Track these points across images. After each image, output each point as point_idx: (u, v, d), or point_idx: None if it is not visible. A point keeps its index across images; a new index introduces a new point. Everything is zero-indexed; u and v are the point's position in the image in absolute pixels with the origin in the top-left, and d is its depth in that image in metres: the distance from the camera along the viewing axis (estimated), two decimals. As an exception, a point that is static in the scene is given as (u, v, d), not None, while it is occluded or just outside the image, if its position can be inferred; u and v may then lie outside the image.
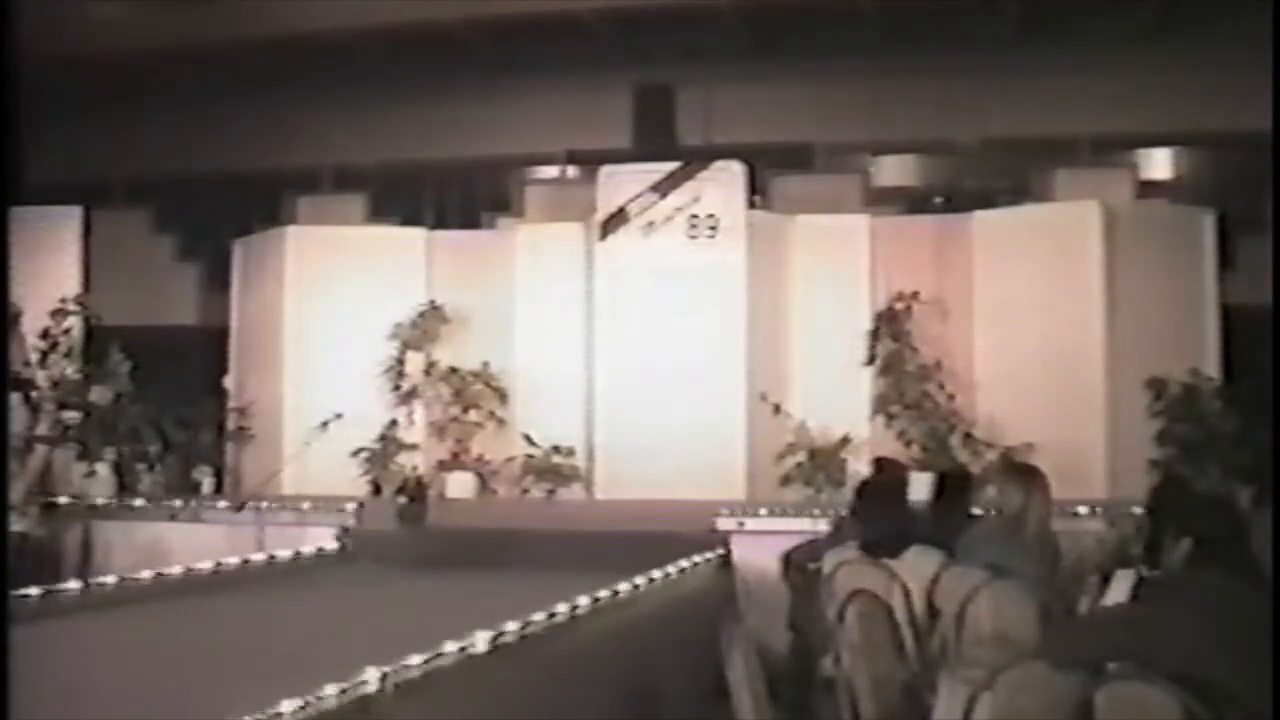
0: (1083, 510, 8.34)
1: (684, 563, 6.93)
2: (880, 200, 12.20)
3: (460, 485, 11.25)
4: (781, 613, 6.21)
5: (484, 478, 11.36)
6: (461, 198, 14.12)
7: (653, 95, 12.69)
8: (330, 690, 3.43)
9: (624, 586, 5.93)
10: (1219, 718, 2.50)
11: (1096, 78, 12.01)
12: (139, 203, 13.97)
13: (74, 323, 11.71)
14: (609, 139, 12.80)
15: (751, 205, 11.47)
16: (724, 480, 10.47)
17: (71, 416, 10.63)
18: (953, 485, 5.82)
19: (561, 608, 5.11)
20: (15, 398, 9.68)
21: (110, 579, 6.88)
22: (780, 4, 12.26)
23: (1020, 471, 5.45)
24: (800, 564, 6.33)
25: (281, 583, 7.55)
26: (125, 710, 3.85)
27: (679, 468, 10.44)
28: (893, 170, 13.73)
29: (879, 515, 5.17)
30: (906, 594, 4.73)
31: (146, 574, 6.86)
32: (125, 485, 11.03)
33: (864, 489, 5.58)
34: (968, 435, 10.56)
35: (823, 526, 7.61)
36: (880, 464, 6.27)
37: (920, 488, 5.82)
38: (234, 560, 7.56)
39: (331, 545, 8.64)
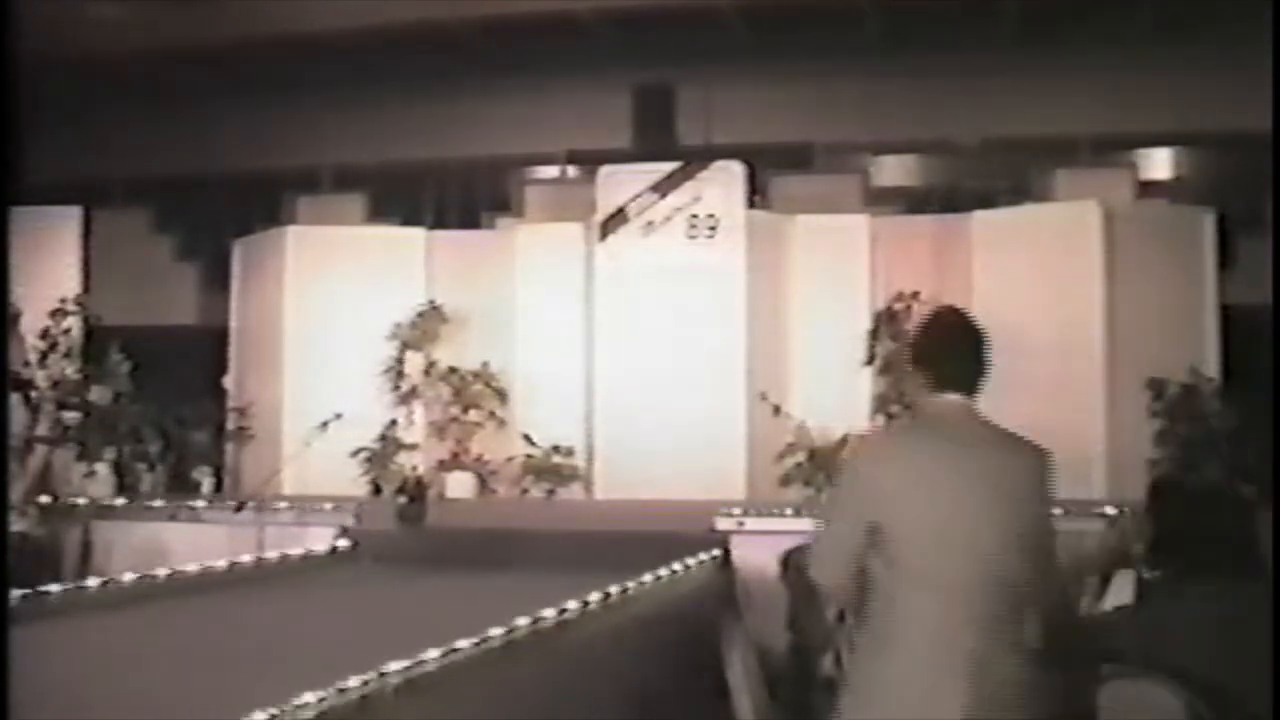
0: (1082, 510, 8.32)
1: (684, 563, 6.93)
2: (880, 200, 12.20)
3: (460, 485, 11.25)
4: (781, 613, 6.20)
5: (484, 478, 11.36)
6: (461, 198, 14.12)
7: (653, 95, 12.69)
8: (331, 690, 3.43)
9: (624, 586, 5.92)
10: (1222, 717, 2.50)
11: (1096, 78, 12.02)
12: (139, 203, 13.99)
13: (74, 323, 11.70)
14: (609, 139, 12.80)
15: (751, 205, 11.47)
16: (724, 480, 10.47)
17: (71, 416, 10.62)
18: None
19: (559, 608, 5.11)
20: (15, 398, 9.68)
21: (110, 579, 6.88)
22: (780, 4, 12.26)
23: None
24: (800, 564, 6.32)
25: (281, 583, 7.54)
26: (125, 710, 3.85)
27: (679, 468, 10.44)
28: (893, 170, 13.74)
29: None
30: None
31: (146, 574, 6.86)
32: (125, 485, 11.02)
33: None
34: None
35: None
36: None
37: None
38: (234, 560, 7.56)
39: (331, 545, 8.63)
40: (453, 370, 11.64)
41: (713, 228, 11.26)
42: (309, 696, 3.35)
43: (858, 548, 2.72)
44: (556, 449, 11.11)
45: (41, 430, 10.06)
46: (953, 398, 2.93)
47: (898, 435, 3.07)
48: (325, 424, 10.16)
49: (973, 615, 2.61)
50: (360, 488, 11.04)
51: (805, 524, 8.40)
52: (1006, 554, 2.69)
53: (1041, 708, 2.67)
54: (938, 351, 3.00)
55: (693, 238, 11.28)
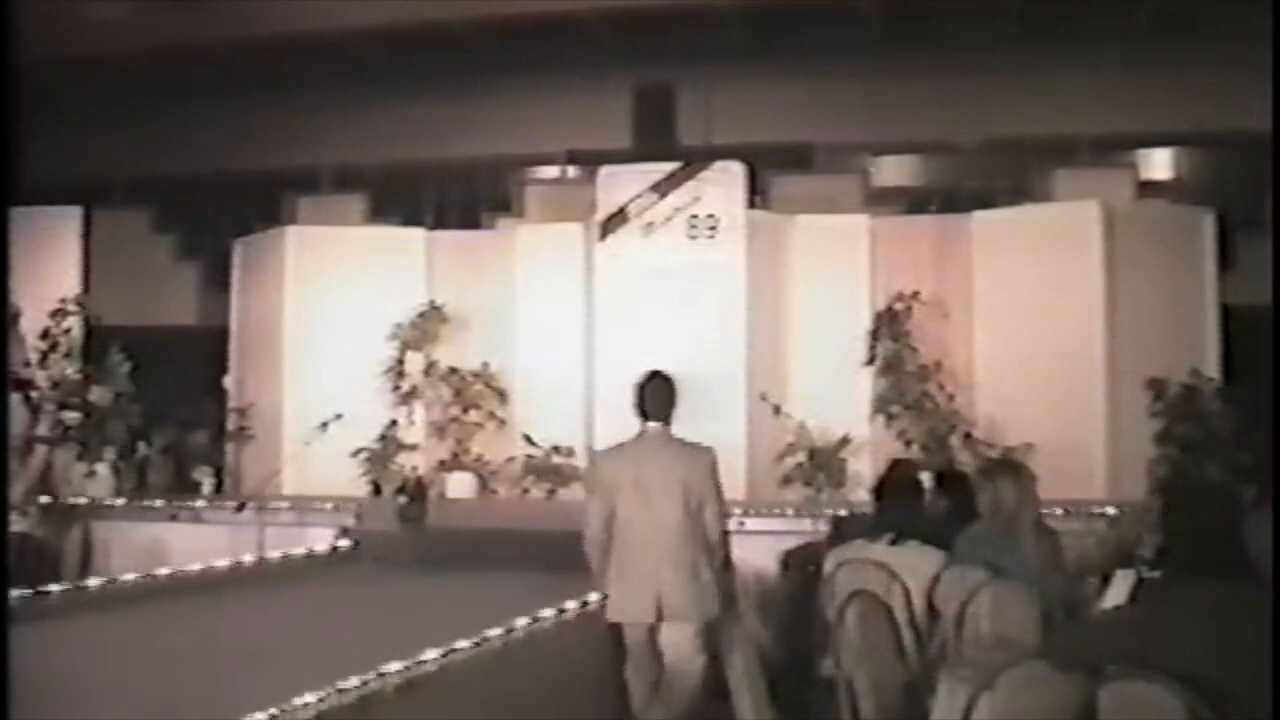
0: (1083, 510, 8.33)
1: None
2: (880, 200, 12.20)
3: (460, 485, 11.25)
4: (781, 613, 6.20)
5: (484, 478, 11.35)
6: (461, 198, 14.12)
7: (653, 95, 12.70)
8: (331, 689, 3.43)
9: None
10: (1222, 718, 2.49)
11: (1096, 78, 12.01)
12: (139, 203, 13.99)
13: (74, 323, 11.70)
14: (609, 139, 12.81)
15: (751, 205, 11.45)
16: (724, 480, 10.42)
17: (71, 416, 10.62)
18: (948, 486, 5.81)
19: (560, 607, 5.11)
20: (15, 398, 9.68)
21: (110, 579, 6.88)
22: (780, 4, 12.26)
23: (1003, 469, 5.42)
24: (800, 564, 6.32)
25: (282, 583, 7.55)
26: (125, 710, 3.85)
27: (679, 468, 10.40)
28: (893, 170, 13.73)
29: (896, 504, 5.16)
30: (906, 594, 4.72)
31: (147, 574, 6.87)
32: (125, 485, 11.02)
33: (886, 479, 5.55)
34: (968, 435, 10.55)
35: (823, 526, 7.61)
36: (896, 464, 6.29)
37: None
38: (234, 560, 7.57)
39: (332, 545, 8.64)
40: (453, 370, 11.64)
41: (713, 228, 11.25)
42: (309, 696, 3.35)
43: (604, 512, 4.91)
44: (557, 449, 11.10)
45: (41, 430, 10.06)
46: (652, 425, 5.07)
47: (619, 448, 5.12)
48: (325, 424, 10.19)
49: (652, 548, 4.81)
50: (360, 488, 11.02)
51: (805, 524, 8.42)
52: (676, 513, 4.88)
53: (698, 602, 4.82)
54: (644, 398, 5.13)
55: (693, 238, 11.27)
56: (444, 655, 4.09)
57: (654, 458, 4.99)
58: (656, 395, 5.17)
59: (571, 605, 5.33)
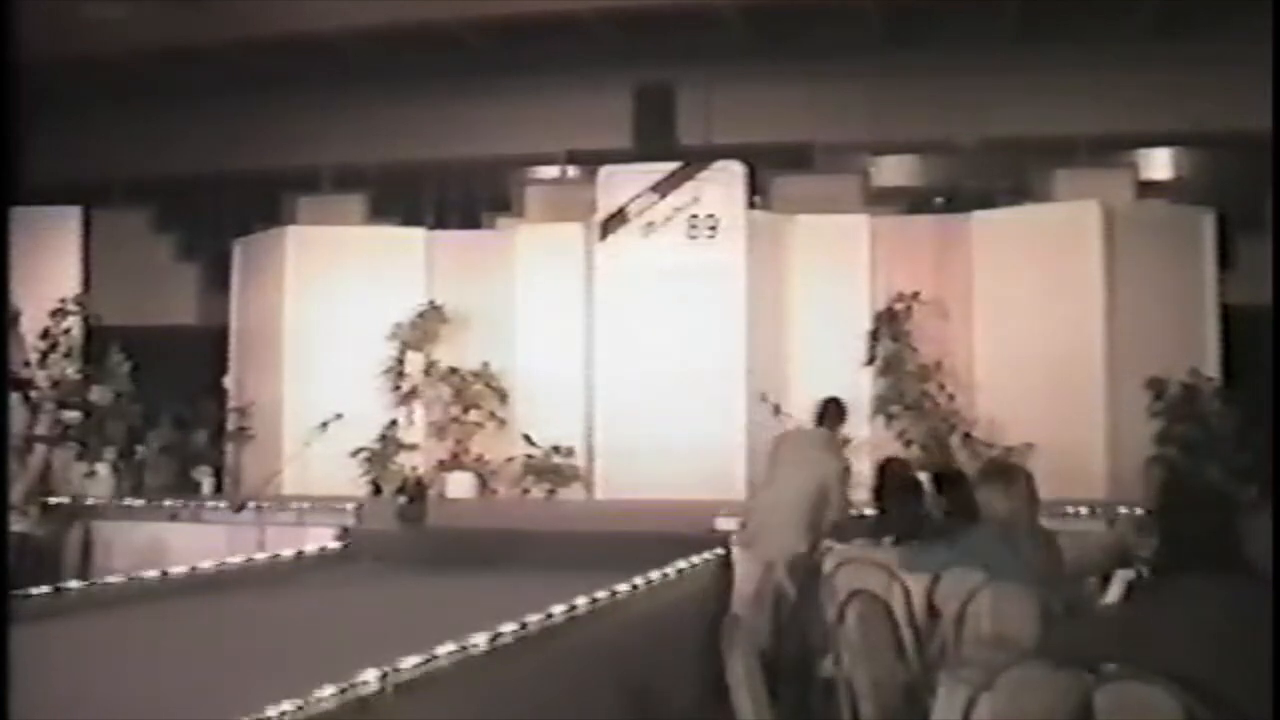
0: (1083, 510, 8.35)
1: (684, 563, 6.93)
2: (880, 200, 12.20)
3: (460, 485, 11.25)
4: (782, 613, 6.21)
5: (484, 478, 11.36)
6: (461, 198, 14.13)
7: (653, 95, 12.69)
8: (330, 690, 3.43)
9: (624, 586, 5.93)
10: (1218, 718, 2.50)
11: (1096, 78, 12.02)
12: (139, 203, 13.99)
13: (74, 323, 11.70)
14: (609, 139, 12.80)
15: (751, 205, 11.46)
16: (724, 480, 10.46)
17: (71, 416, 10.62)
18: (947, 486, 5.81)
19: (561, 608, 5.11)
20: (15, 398, 9.68)
21: (110, 579, 6.88)
22: (780, 4, 12.26)
23: (1001, 472, 5.41)
24: (801, 565, 6.33)
25: (281, 583, 7.54)
26: (125, 710, 3.85)
27: (678, 468, 10.43)
28: (893, 170, 13.73)
29: (898, 507, 5.17)
30: (906, 594, 4.72)
31: (146, 574, 6.87)
32: (125, 485, 11.02)
33: (884, 480, 5.62)
34: (967, 435, 10.55)
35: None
36: (889, 463, 6.34)
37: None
38: (234, 560, 7.56)
39: (331, 545, 8.64)
40: (453, 370, 11.64)
41: (713, 228, 11.25)
42: (309, 696, 3.35)
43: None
44: (556, 449, 11.10)
45: (41, 430, 10.06)
46: (819, 428, 7.16)
47: (793, 432, 7.57)
48: (325, 424, 10.20)
49: (775, 509, 6.72)
50: (360, 488, 11.03)
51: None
52: (797, 492, 6.63)
53: (806, 557, 6.18)
54: (824, 412, 7.20)
55: (693, 238, 11.28)
56: (443, 655, 4.09)
57: (806, 449, 6.94)
58: (829, 413, 7.19)
59: (583, 601, 5.32)
